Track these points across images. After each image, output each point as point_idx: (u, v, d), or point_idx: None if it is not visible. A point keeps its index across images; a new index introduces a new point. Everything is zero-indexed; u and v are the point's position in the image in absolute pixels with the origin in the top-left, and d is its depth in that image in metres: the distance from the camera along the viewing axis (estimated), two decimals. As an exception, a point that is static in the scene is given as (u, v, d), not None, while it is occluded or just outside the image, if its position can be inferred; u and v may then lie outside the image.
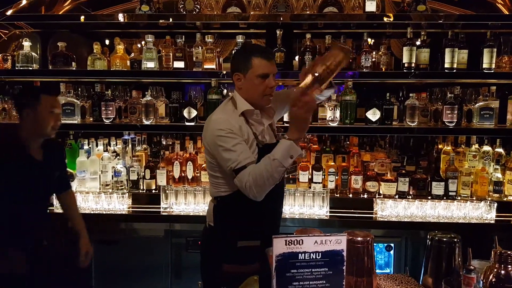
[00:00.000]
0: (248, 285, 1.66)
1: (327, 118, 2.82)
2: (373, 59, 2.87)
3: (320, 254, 1.11)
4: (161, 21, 2.84)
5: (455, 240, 1.28)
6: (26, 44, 2.81)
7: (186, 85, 3.26)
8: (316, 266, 1.12)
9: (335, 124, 2.82)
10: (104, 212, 2.70)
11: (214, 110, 2.77)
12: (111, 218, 2.70)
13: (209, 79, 2.83)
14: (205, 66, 2.84)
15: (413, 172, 2.85)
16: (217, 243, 1.94)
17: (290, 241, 1.10)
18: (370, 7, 2.80)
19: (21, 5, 2.78)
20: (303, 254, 1.11)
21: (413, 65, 2.81)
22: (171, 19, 2.82)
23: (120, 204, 2.75)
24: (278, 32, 2.79)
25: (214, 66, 2.85)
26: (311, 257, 1.11)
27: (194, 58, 2.86)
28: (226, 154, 1.76)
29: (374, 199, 2.79)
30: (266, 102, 1.89)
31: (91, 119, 2.90)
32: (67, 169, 2.58)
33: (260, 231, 1.87)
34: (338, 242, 1.12)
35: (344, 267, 1.13)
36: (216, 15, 2.81)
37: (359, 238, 1.22)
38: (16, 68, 2.82)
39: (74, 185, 2.80)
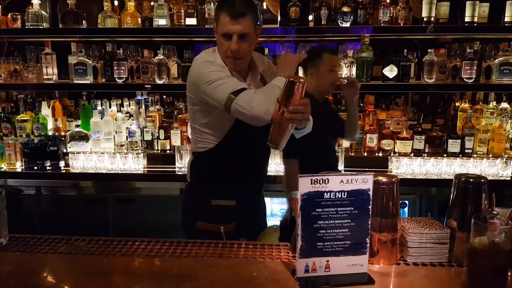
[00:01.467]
0: (267, 234, 1.68)
1: (343, 76, 2.76)
2: (391, 14, 2.78)
3: (345, 193, 1.10)
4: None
5: (482, 181, 1.26)
6: (36, 2, 2.75)
7: (196, 44, 3.20)
8: (341, 205, 1.11)
9: (350, 82, 2.75)
10: (120, 172, 2.72)
11: None
12: (126, 178, 2.72)
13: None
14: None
15: (429, 130, 2.81)
16: (192, 200, 1.87)
17: (315, 180, 1.09)
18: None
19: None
20: (328, 193, 1.10)
21: (432, 19, 2.71)
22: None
23: (135, 164, 2.76)
24: (293, -15, 2.69)
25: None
26: (337, 196, 1.10)
27: (206, 15, 2.78)
28: (220, 83, 1.57)
29: (389, 157, 2.76)
30: (230, 65, 1.64)
31: (103, 79, 2.87)
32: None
33: (236, 191, 1.78)
34: (364, 182, 1.11)
35: (370, 207, 1.12)
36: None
37: (384, 179, 1.20)
38: (26, 28, 2.77)
39: (89, 146, 2.82)
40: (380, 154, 2.82)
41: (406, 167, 2.70)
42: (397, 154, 2.78)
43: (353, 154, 2.85)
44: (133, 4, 2.82)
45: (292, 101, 1.39)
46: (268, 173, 2.60)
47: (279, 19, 2.99)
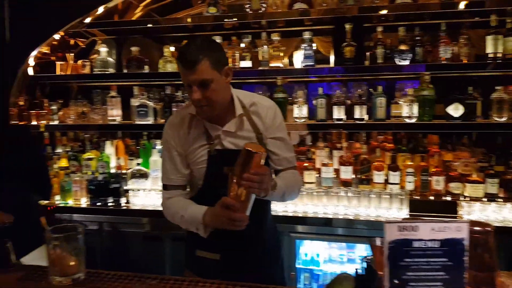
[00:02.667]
0: (337, 283, 1.56)
1: (404, 115, 2.65)
2: (452, 51, 2.68)
3: (438, 242, 0.99)
4: (225, 20, 2.84)
5: None
6: (103, 50, 2.95)
7: (250, 86, 3.25)
8: (433, 256, 1.00)
9: (412, 121, 2.64)
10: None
11: (281, 109, 2.79)
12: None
13: (275, 78, 2.79)
14: (272, 65, 2.81)
15: (503, 173, 2.59)
16: (184, 247, 1.81)
17: (403, 227, 0.99)
18: (448, -6, 2.62)
19: (98, 13, 2.93)
20: (418, 242, 0.99)
21: (498, 55, 2.58)
22: (236, 19, 2.82)
23: (191, 203, 2.76)
24: (347, 26, 2.70)
25: (281, 64, 2.81)
26: (428, 246, 1.00)
27: (260, 57, 2.84)
28: (162, 166, 1.73)
29: (457, 201, 2.56)
30: (197, 114, 1.60)
31: (162, 120, 2.97)
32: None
33: (221, 243, 1.62)
34: (458, 230, 1.00)
35: (466, 258, 1.00)
36: (280, 12, 2.77)
37: (477, 228, 1.08)
38: (94, 73, 2.96)
39: (148, 183, 2.87)
40: (448, 198, 2.63)
41: (479, 212, 2.48)
42: (468, 199, 2.57)
43: (418, 197, 2.68)
44: (193, 49, 2.94)
45: (248, 170, 1.35)
46: (320, 216, 2.53)
47: (332, 58, 3.00)
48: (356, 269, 1.30)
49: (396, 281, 1.00)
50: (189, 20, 2.85)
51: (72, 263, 1.36)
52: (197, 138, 1.66)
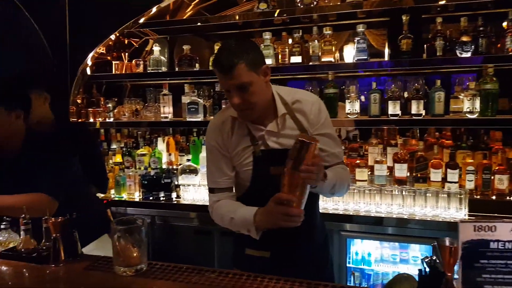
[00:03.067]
0: (397, 283, 1.50)
1: (465, 109, 2.50)
2: (519, 42, 2.49)
3: (518, 243, 0.92)
4: (275, 17, 2.82)
5: None
6: (156, 49, 3.04)
7: (301, 81, 3.20)
8: (513, 258, 0.92)
9: (474, 116, 2.49)
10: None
11: (332, 105, 2.73)
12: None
13: (326, 73, 2.74)
14: (323, 59, 2.75)
15: None
16: (233, 246, 1.80)
17: (480, 226, 0.92)
18: (515, -19, 2.44)
19: (151, 13, 3.02)
20: (496, 243, 0.92)
21: None
22: (285, 15, 2.80)
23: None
24: (404, 17, 2.58)
25: (332, 59, 2.75)
26: (506, 247, 0.92)
27: (310, 52, 2.79)
28: (207, 169, 1.74)
29: (524, 202, 2.39)
30: (240, 117, 1.59)
31: (211, 117, 3.01)
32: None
33: (271, 241, 1.58)
34: (542, 230, 0.92)
35: (551, 262, 0.92)
36: (333, 6, 2.70)
37: None
38: (147, 72, 3.06)
39: (198, 179, 2.92)
40: (512, 198, 2.45)
41: (548, 214, 2.29)
42: (535, 199, 2.38)
43: (478, 197, 2.52)
44: (242, 45, 2.95)
45: (304, 162, 1.33)
46: (373, 215, 2.45)
47: (386, 52, 2.89)
48: (420, 269, 1.24)
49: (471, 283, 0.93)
50: (237, 17, 2.86)
51: (135, 254, 1.41)
52: (240, 140, 1.63)
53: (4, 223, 1.73)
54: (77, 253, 1.58)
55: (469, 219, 0.95)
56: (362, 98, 3.18)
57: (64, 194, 1.93)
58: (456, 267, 1.05)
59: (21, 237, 1.60)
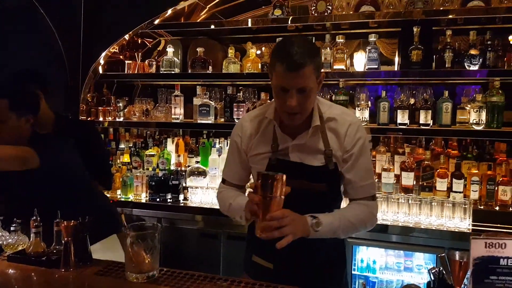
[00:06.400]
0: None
1: (471, 121, 2.56)
2: (526, 56, 2.56)
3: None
4: (289, 23, 2.87)
5: None
6: (170, 50, 3.08)
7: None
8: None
9: (480, 128, 2.55)
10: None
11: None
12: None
13: (337, 80, 2.79)
14: (335, 67, 2.81)
15: None
16: (242, 248, 1.82)
17: (490, 243, 0.98)
18: (524, -2, 2.50)
19: (166, 15, 3.06)
20: (505, 260, 0.98)
21: None
22: (299, 22, 2.84)
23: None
24: (415, 29, 2.64)
25: (343, 67, 2.80)
26: (518, 263, 0.97)
27: (322, 59, 2.84)
28: (226, 162, 1.78)
29: (527, 214, 2.45)
30: (286, 120, 1.49)
31: (222, 119, 3.04)
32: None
33: (274, 253, 1.47)
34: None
35: None
36: (346, 15, 2.76)
37: None
38: (160, 72, 3.09)
39: (206, 181, 2.96)
40: (516, 209, 2.51)
41: (551, 226, 2.35)
42: (539, 211, 2.45)
43: (482, 207, 2.58)
44: (255, 51, 3.00)
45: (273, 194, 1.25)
46: (379, 222, 2.47)
47: (396, 60, 2.95)
48: (429, 281, 1.27)
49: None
50: (250, 22, 2.91)
51: (147, 260, 1.39)
52: (262, 143, 1.60)
53: (14, 225, 1.70)
54: (88, 258, 1.55)
55: (481, 235, 1.00)
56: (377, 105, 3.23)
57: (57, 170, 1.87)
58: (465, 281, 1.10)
59: (31, 239, 1.57)
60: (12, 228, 1.70)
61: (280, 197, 1.30)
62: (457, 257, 1.12)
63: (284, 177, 1.28)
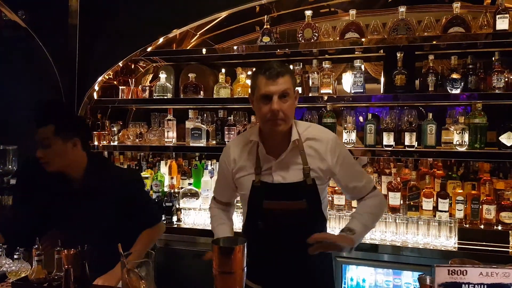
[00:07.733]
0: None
1: (454, 142, 2.65)
2: (506, 79, 2.66)
3: (485, 286, 1.05)
4: (278, 51, 2.97)
5: None
6: (162, 76, 3.17)
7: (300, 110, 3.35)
8: (485, 299, 1.05)
9: (463, 149, 2.63)
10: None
11: None
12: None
13: (325, 103, 2.88)
14: (322, 91, 2.90)
15: (560, 204, 2.52)
16: None
17: (453, 270, 1.06)
18: (502, 25, 2.60)
19: (158, 43, 3.16)
20: (467, 285, 1.05)
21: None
22: (287, 49, 2.94)
23: (239, 221, 2.87)
24: (398, 54, 2.75)
25: (330, 91, 2.90)
26: (478, 289, 1.05)
27: (310, 84, 2.94)
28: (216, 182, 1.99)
29: (510, 231, 2.52)
30: (269, 128, 1.63)
31: (214, 142, 3.12)
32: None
33: (263, 274, 1.63)
34: (506, 276, 1.05)
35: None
36: (332, 42, 2.87)
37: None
38: (154, 98, 3.18)
39: (199, 202, 3.02)
40: (499, 228, 2.58)
41: (533, 244, 2.42)
42: (521, 229, 2.52)
43: (467, 226, 2.65)
44: (244, 76, 3.10)
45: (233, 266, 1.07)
46: (367, 241, 2.55)
47: (382, 83, 3.05)
48: None
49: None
50: (240, 50, 2.99)
51: (143, 286, 1.45)
52: (247, 166, 1.73)
53: (17, 253, 1.77)
54: (86, 284, 1.61)
55: (446, 264, 1.07)
56: (361, 118, 3.32)
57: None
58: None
59: (33, 267, 1.65)
60: (15, 256, 1.77)
61: (241, 271, 1.14)
62: (427, 282, 1.20)
63: (245, 244, 1.14)
